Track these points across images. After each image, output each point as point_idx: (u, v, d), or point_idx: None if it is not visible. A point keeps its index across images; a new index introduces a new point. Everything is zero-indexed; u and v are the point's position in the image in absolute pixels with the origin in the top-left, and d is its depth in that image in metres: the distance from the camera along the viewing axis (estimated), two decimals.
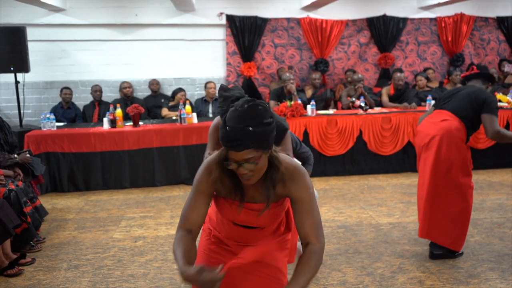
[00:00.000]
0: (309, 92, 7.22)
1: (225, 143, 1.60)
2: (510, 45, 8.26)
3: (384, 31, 7.84)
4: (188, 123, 5.95)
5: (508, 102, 6.40)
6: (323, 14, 7.73)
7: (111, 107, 5.99)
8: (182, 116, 5.94)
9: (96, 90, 7.01)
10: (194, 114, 6.16)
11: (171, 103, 7.13)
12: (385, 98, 6.84)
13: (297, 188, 1.75)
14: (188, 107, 6.07)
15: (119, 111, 5.88)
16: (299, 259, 1.75)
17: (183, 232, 1.75)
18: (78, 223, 4.65)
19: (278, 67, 7.71)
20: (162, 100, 7.24)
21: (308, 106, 6.28)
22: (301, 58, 7.85)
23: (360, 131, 6.25)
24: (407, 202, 5.07)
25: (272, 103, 6.53)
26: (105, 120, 5.87)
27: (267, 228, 1.92)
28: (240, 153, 1.59)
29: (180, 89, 7.15)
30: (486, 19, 8.16)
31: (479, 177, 5.94)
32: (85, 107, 7.08)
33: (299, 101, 6.33)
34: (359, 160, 6.35)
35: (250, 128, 1.56)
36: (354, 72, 7.41)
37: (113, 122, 5.85)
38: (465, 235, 3.62)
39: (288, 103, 6.14)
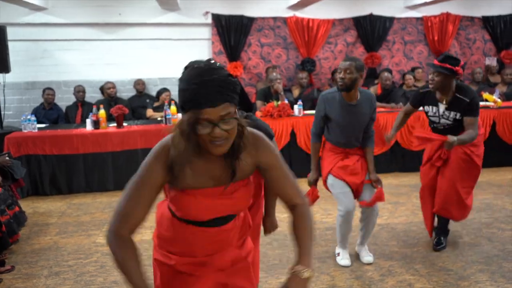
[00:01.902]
0: (296, 92, 7.16)
1: (195, 102, 1.37)
2: (495, 45, 8.30)
3: (371, 31, 7.81)
4: (173, 123, 5.82)
5: (494, 102, 6.41)
6: (310, 13, 7.68)
7: (94, 108, 5.86)
8: (167, 117, 5.84)
9: (79, 91, 6.86)
10: (180, 115, 6.05)
11: (155, 104, 7.01)
12: None
13: (264, 153, 1.59)
14: (173, 107, 5.96)
15: (102, 112, 5.75)
16: (294, 225, 1.64)
17: (126, 237, 1.48)
18: (60, 227, 4.52)
19: (265, 66, 7.64)
20: (147, 101, 7.11)
21: (295, 106, 6.22)
22: (287, 57, 7.79)
23: None
24: (395, 203, 5.03)
25: (258, 103, 6.45)
26: (88, 121, 5.74)
27: (235, 226, 1.69)
28: (216, 109, 1.37)
29: (165, 89, 7.04)
30: (472, 18, 8.18)
31: None
32: (68, 108, 6.93)
33: (286, 101, 6.27)
34: None
35: (222, 78, 1.38)
36: None
37: (96, 123, 5.72)
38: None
39: (275, 103, 6.07)
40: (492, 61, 8.02)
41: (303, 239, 1.60)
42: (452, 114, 3.53)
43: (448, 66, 3.37)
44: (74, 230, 4.44)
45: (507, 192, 5.39)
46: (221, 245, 1.66)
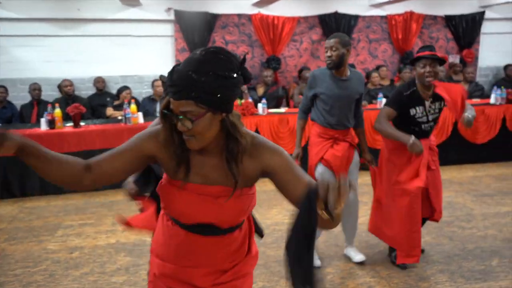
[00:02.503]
0: (260, 90, 7.07)
1: (167, 87, 1.35)
2: (457, 43, 8.40)
3: (336, 29, 7.77)
4: (133, 123, 5.66)
5: None
6: (275, 10, 7.58)
7: (49, 107, 5.61)
8: (126, 116, 5.64)
9: (35, 89, 6.58)
10: (140, 114, 5.87)
11: (116, 102, 6.79)
12: None
13: (269, 155, 1.45)
14: (133, 106, 5.76)
15: (58, 111, 5.50)
16: None
17: (84, 163, 1.43)
18: (9, 233, 4.28)
19: None
20: (108, 99, 6.89)
21: (259, 105, 6.12)
22: (252, 55, 7.68)
23: None
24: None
25: None
26: (43, 120, 5.49)
27: (228, 238, 1.54)
28: (176, 102, 1.32)
29: (125, 87, 6.82)
30: (435, 17, 8.26)
31: None
32: (23, 106, 6.63)
33: (250, 99, 6.16)
34: None
35: (194, 75, 1.28)
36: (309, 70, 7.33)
37: (51, 123, 5.47)
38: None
39: (238, 101, 5.96)
40: (455, 58, 8.13)
41: None
42: (437, 104, 3.33)
43: (438, 55, 3.16)
44: (24, 235, 4.21)
45: (467, 189, 5.44)
46: (203, 258, 1.54)
